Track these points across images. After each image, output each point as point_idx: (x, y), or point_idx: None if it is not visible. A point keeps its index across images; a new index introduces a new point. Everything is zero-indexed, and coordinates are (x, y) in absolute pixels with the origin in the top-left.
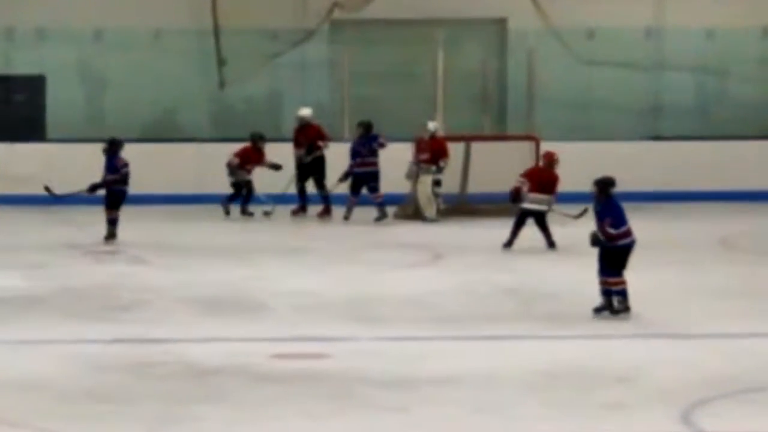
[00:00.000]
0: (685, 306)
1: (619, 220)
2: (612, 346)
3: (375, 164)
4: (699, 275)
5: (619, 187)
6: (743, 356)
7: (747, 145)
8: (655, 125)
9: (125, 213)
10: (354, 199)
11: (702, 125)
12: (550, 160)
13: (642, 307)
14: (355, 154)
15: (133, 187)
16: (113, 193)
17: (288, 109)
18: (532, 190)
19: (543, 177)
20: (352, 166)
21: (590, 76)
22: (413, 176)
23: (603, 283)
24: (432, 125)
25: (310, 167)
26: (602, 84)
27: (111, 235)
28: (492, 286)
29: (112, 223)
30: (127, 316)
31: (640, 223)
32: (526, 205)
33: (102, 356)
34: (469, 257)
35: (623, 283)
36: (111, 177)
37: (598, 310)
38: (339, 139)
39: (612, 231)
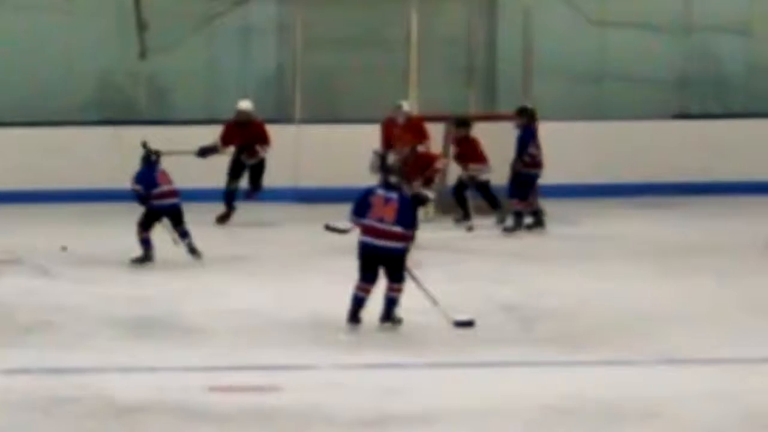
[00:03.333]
0: (722, 324)
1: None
2: (634, 374)
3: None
4: (740, 287)
5: (638, 178)
6: None
7: None
8: (684, 100)
9: (25, 213)
10: (526, 204)
11: (743, 100)
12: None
13: (669, 327)
14: (522, 147)
15: (37, 182)
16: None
17: (227, 84)
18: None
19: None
20: (519, 165)
21: (602, 41)
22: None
23: None
24: (407, 104)
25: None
26: (617, 50)
27: (146, 258)
28: (484, 300)
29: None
30: (31, 341)
31: (664, 221)
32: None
33: (1, 391)
34: (453, 265)
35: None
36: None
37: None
38: (289, 120)
39: None
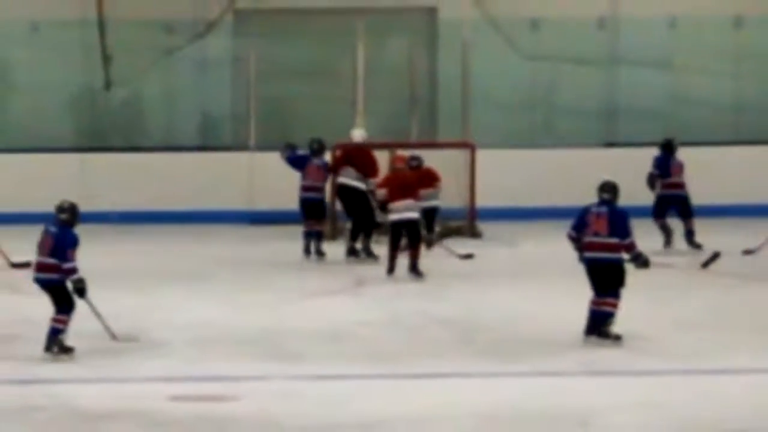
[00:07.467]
0: (649, 338)
1: None
2: (564, 384)
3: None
4: (667, 302)
5: (570, 201)
6: (716, 395)
7: (719, 152)
8: (611, 130)
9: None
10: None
11: (665, 129)
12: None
13: (603, 342)
14: (664, 171)
15: (7, 205)
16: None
17: (185, 113)
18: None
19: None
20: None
21: (534, 74)
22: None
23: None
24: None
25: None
26: (548, 82)
27: (318, 253)
28: (424, 316)
29: (306, 236)
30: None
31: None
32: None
33: None
34: (396, 284)
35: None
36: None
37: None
38: (244, 147)
39: None
